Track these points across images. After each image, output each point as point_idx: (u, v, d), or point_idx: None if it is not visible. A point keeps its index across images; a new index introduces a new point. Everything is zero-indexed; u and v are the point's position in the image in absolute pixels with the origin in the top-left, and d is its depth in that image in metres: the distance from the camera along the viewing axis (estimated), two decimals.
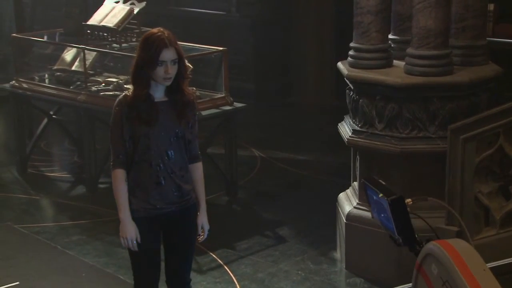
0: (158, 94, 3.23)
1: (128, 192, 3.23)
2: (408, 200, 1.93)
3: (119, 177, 3.21)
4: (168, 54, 3.15)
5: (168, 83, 3.20)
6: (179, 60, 3.20)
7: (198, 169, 3.37)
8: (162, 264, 3.40)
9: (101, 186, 5.87)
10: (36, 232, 5.26)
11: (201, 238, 3.39)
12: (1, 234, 5.27)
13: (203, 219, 3.37)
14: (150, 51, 3.14)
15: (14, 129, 6.44)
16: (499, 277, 3.49)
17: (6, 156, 6.85)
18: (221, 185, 5.85)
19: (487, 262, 3.60)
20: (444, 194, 4.29)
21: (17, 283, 4.51)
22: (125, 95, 3.25)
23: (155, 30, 3.25)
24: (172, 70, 3.17)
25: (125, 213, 3.21)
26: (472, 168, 4.15)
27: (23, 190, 6.07)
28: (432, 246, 1.70)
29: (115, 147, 3.22)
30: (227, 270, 4.70)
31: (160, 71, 3.15)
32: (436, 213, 4.32)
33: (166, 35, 3.19)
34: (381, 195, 1.89)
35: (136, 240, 3.21)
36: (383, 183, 2.04)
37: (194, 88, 5.69)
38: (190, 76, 3.41)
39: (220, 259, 4.83)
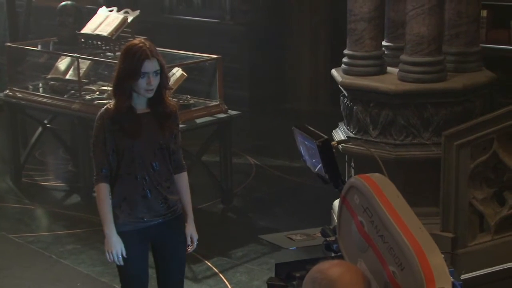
0: (140, 105, 3.21)
1: (114, 206, 3.20)
2: (334, 142, 2.21)
3: (103, 191, 3.19)
4: (150, 66, 3.11)
5: (150, 95, 3.17)
6: (161, 71, 3.17)
7: (183, 179, 3.35)
8: (152, 276, 3.39)
9: (95, 195, 5.85)
10: (31, 241, 5.24)
11: (190, 249, 3.37)
12: None
13: (191, 229, 3.35)
14: (132, 63, 3.10)
15: (8, 138, 6.42)
16: (494, 283, 3.49)
17: (0, 165, 6.82)
18: (216, 193, 5.84)
19: (481, 268, 3.61)
20: (439, 200, 4.29)
21: None
22: (107, 108, 3.21)
23: (136, 41, 3.22)
24: (155, 82, 3.14)
25: (109, 228, 3.18)
26: (467, 174, 4.16)
27: (18, 200, 6.05)
28: (354, 179, 1.97)
29: (98, 161, 3.20)
30: (222, 278, 4.69)
31: (142, 83, 3.12)
32: (431, 219, 4.33)
33: (148, 46, 3.14)
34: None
35: (122, 254, 3.19)
36: (312, 128, 2.26)
37: (189, 96, 5.71)
38: (172, 88, 3.39)
39: (215, 267, 4.82)
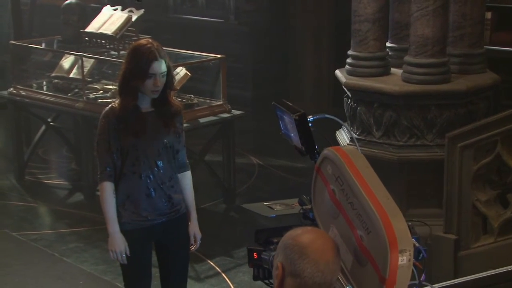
0: (145, 104, 3.20)
1: (118, 205, 3.20)
2: (310, 116, 2.36)
3: (107, 190, 3.18)
4: (158, 67, 3.11)
5: (156, 95, 3.17)
6: (167, 72, 3.16)
7: (187, 178, 3.35)
8: (155, 275, 3.39)
9: (99, 193, 5.85)
10: (34, 239, 5.25)
11: (193, 248, 3.37)
12: None
13: (194, 228, 3.35)
14: (139, 63, 3.09)
15: (12, 136, 6.43)
16: (497, 285, 3.49)
17: (4, 163, 6.83)
18: (219, 192, 5.84)
19: (484, 270, 3.61)
20: (442, 201, 4.29)
21: None
22: (112, 107, 3.20)
23: (144, 41, 3.21)
24: (161, 83, 3.14)
25: (113, 226, 3.18)
26: (470, 176, 4.16)
27: (21, 197, 6.05)
28: (327, 151, 2.13)
29: (102, 159, 3.19)
30: (225, 278, 4.69)
31: (149, 83, 3.11)
32: (435, 221, 4.33)
33: (156, 47, 3.13)
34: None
35: (126, 253, 3.19)
36: (290, 103, 2.40)
37: (192, 96, 5.72)
38: (177, 88, 3.39)
39: (218, 267, 4.82)
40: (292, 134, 2.39)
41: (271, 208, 2.78)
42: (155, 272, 3.41)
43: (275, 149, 7.12)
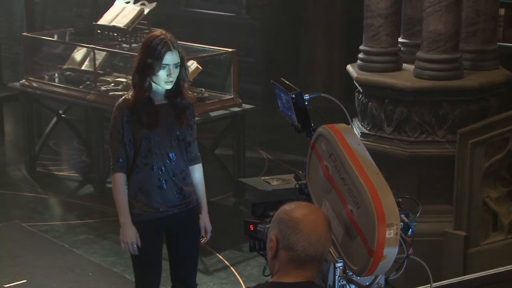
0: (158, 97, 3.22)
1: (129, 196, 3.21)
2: (306, 95, 2.44)
3: (119, 181, 3.20)
4: (171, 58, 3.13)
5: (170, 86, 3.18)
6: (181, 64, 3.18)
7: (198, 171, 3.36)
8: (164, 268, 3.40)
9: (109, 185, 5.87)
10: (44, 230, 5.28)
11: (204, 240, 3.38)
12: (9, 232, 5.29)
13: (205, 221, 3.36)
14: (153, 54, 3.11)
15: (23, 127, 6.46)
16: (506, 282, 3.48)
17: (15, 154, 6.87)
18: (229, 186, 5.85)
19: (494, 267, 3.60)
20: (452, 198, 4.28)
21: (24, 281, 4.53)
22: (125, 98, 3.22)
23: (157, 32, 3.22)
24: (175, 74, 3.15)
25: (125, 217, 3.20)
26: (481, 173, 4.14)
27: (32, 189, 6.09)
28: (322, 128, 2.21)
29: (115, 151, 3.20)
30: (233, 271, 4.70)
31: (162, 74, 3.13)
32: (444, 218, 4.32)
33: (169, 38, 3.15)
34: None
35: (137, 244, 3.20)
36: (288, 82, 2.47)
37: (203, 89, 5.72)
38: (191, 80, 3.40)
39: (226, 260, 4.83)
40: (289, 112, 2.47)
41: (268, 182, 2.87)
42: (165, 264, 3.43)
43: (285, 143, 7.12)
